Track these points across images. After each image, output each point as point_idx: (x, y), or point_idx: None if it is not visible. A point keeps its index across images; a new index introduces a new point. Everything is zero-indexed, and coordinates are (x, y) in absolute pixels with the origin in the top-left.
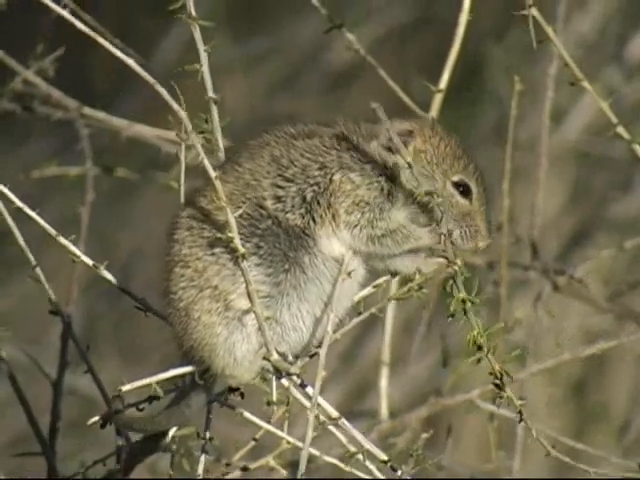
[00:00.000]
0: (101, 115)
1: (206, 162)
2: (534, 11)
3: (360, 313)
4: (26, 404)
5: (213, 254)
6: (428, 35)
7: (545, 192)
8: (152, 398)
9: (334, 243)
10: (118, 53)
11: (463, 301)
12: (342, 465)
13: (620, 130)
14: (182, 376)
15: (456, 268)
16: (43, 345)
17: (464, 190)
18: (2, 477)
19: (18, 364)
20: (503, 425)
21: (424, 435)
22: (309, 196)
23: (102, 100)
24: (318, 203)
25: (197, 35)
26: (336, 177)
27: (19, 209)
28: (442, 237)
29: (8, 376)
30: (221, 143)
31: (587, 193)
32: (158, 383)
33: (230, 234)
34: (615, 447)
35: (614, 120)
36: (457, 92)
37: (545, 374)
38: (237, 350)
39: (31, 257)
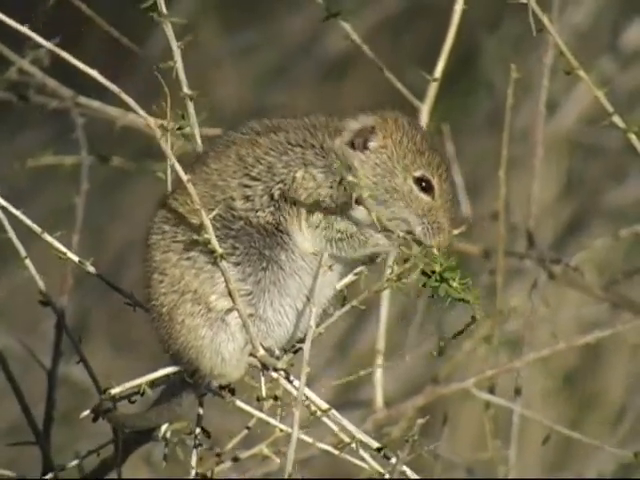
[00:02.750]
0: (96, 104)
1: (177, 166)
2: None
3: (343, 305)
4: (20, 394)
5: (189, 258)
6: (423, 24)
7: (540, 181)
8: (143, 392)
9: (308, 239)
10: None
11: (441, 278)
12: (336, 452)
13: (615, 119)
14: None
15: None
16: (37, 335)
17: (426, 186)
18: None
19: (12, 354)
20: (499, 414)
21: (420, 421)
22: (276, 194)
23: (97, 89)
24: (285, 200)
25: (169, 32)
26: (298, 174)
27: (11, 198)
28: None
29: (2, 366)
30: (199, 139)
31: (582, 182)
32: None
33: (207, 235)
34: (610, 436)
35: (609, 109)
36: (451, 81)
37: (540, 363)
38: (223, 350)
39: (21, 248)
